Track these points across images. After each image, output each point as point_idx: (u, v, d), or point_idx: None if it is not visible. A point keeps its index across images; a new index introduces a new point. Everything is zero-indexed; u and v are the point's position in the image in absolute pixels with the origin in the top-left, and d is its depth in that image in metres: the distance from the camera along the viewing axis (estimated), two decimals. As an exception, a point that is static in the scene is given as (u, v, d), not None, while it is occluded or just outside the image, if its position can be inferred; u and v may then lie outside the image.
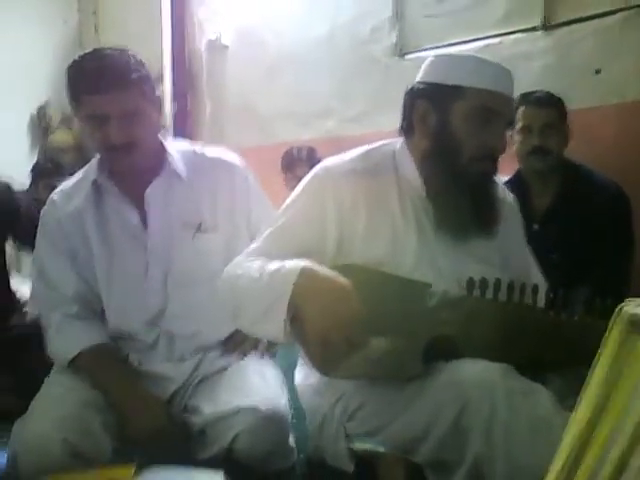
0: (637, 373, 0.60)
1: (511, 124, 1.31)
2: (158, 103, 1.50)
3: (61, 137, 4.38)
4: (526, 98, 2.13)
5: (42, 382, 1.44)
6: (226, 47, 4.03)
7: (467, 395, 1.06)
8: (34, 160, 3.80)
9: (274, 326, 1.12)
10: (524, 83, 2.34)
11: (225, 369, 1.46)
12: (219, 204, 1.52)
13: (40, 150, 4.48)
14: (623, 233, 2.09)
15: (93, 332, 1.45)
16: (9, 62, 4.27)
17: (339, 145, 1.40)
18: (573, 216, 2.07)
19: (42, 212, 1.55)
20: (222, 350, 1.52)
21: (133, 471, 1.17)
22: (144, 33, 4.21)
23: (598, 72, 2.53)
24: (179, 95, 4.31)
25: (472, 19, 2.87)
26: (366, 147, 1.35)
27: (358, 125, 3.10)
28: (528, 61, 2.69)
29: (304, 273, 1.10)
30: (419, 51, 2.98)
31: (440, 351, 1.14)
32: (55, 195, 1.55)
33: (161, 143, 1.52)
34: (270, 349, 1.55)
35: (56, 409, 1.31)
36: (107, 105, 1.36)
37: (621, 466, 0.57)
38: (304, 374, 1.41)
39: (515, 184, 2.08)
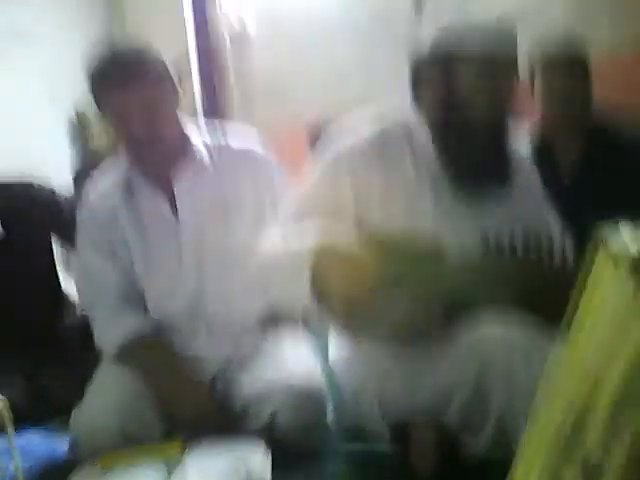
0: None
1: (517, 82, 1.31)
2: (178, 94, 1.53)
3: (98, 140, 4.51)
4: (544, 60, 2.05)
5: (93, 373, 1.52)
6: (250, 34, 4.07)
7: (486, 355, 1.08)
8: (76, 162, 3.94)
9: (300, 294, 1.16)
10: (547, 27, 2.28)
11: (262, 348, 1.51)
12: (245, 191, 1.56)
13: (81, 152, 4.62)
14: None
15: (135, 322, 1.51)
16: (48, 68, 4.41)
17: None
18: (603, 169, 2.01)
19: (78, 210, 1.62)
20: (259, 331, 1.56)
21: (180, 447, 1.24)
22: (170, 30, 4.27)
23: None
24: (207, 81, 4.38)
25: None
26: (379, 116, 1.38)
27: (382, 91, 3.09)
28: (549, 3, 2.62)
29: (321, 250, 1.13)
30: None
31: (461, 310, 1.16)
32: (89, 193, 1.61)
33: (186, 135, 1.56)
34: (305, 327, 1.59)
35: (109, 399, 1.38)
36: (128, 100, 1.41)
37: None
38: (337, 346, 1.45)
39: (539, 141, 2.04)
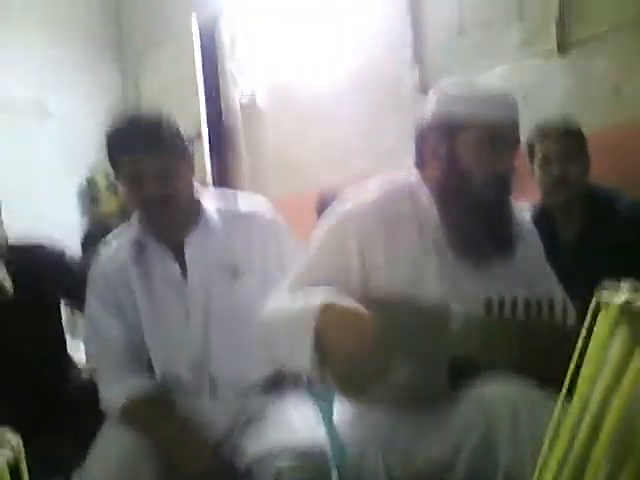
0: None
1: (517, 145, 1.36)
2: (191, 159, 1.60)
3: (108, 203, 4.60)
4: (543, 132, 2.13)
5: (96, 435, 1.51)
6: (259, 103, 4.20)
7: (492, 412, 1.08)
8: (85, 226, 4.01)
9: (304, 358, 1.17)
10: (546, 106, 2.38)
11: (266, 409, 1.51)
12: (253, 252, 1.59)
13: (90, 217, 4.71)
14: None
15: (141, 382, 1.52)
16: (58, 136, 4.55)
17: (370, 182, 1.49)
18: (603, 243, 2.03)
19: (90, 269, 1.65)
20: (264, 391, 1.56)
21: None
22: (182, 94, 4.43)
23: (617, 90, 2.52)
24: (217, 151, 4.49)
25: (490, 50, 2.93)
26: (382, 181, 1.42)
27: (389, 162, 3.17)
28: (548, 84, 2.72)
29: (325, 307, 1.16)
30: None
31: (464, 372, 1.17)
32: (100, 253, 1.65)
33: (197, 197, 1.61)
34: (309, 388, 1.59)
35: (111, 459, 1.38)
36: (142, 165, 1.46)
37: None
38: (341, 409, 1.45)
39: (539, 215, 2.07)
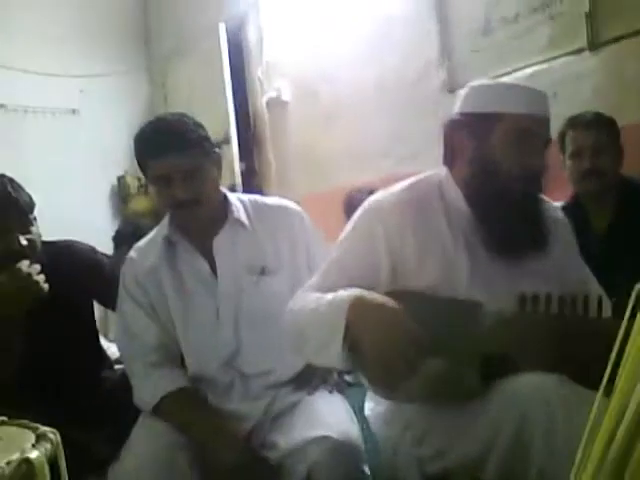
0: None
1: (548, 143, 1.35)
2: (218, 160, 1.62)
3: (138, 203, 4.69)
4: (573, 122, 2.12)
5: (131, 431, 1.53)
6: (286, 102, 4.22)
7: (525, 409, 1.07)
8: (117, 226, 4.07)
9: (334, 354, 1.18)
10: (575, 105, 2.36)
11: (297, 404, 1.52)
12: (280, 247, 1.61)
13: (121, 217, 4.78)
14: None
15: (174, 378, 1.54)
16: (91, 140, 4.64)
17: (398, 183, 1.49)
18: (637, 234, 2.01)
19: (122, 270, 1.68)
20: (293, 386, 1.58)
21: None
22: (209, 98, 4.48)
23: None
24: (246, 154, 4.52)
25: (518, 48, 2.92)
26: (412, 179, 1.41)
27: (414, 162, 3.18)
28: (578, 83, 2.70)
29: (356, 302, 1.16)
30: (469, 86, 3.05)
31: (497, 368, 1.16)
32: (133, 253, 1.68)
33: (224, 196, 1.64)
34: (339, 384, 1.60)
35: (145, 452, 1.39)
36: (170, 166, 1.49)
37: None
38: (373, 404, 1.45)
39: (572, 208, 2.05)
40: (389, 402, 1.37)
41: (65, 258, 1.92)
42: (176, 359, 1.59)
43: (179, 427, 1.46)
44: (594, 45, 2.68)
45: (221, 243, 1.59)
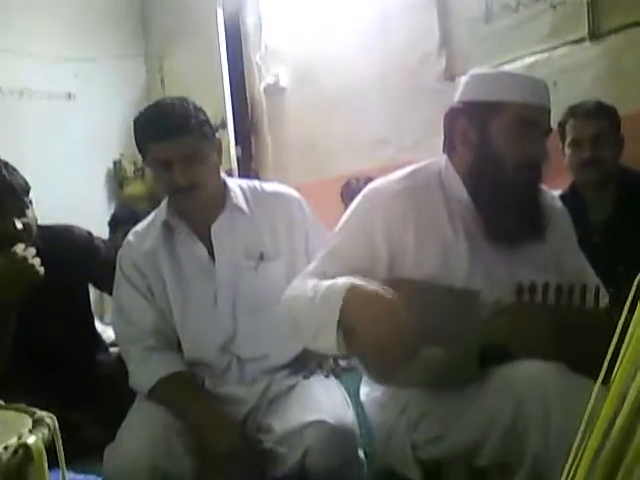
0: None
1: (549, 133, 1.34)
2: (218, 145, 1.61)
3: (135, 187, 4.67)
4: (574, 110, 2.11)
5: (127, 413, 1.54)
6: (284, 88, 4.20)
7: (521, 396, 1.08)
8: (112, 211, 4.06)
9: (329, 340, 1.18)
10: (575, 94, 2.35)
11: (293, 388, 1.52)
12: (279, 233, 1.61)
13: (117, 201, 4.77)
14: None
15: (170, 362, 1.54)
16: (87, 124, 4.61)
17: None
18: (636, 224, 2.01)
19: (119, 253, 1.67)
20: (290, 370, 1.58)
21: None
22: (206, 83, 4.45)
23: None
24: (242, 139, 4.50)
25: (518, 37, 2.90)
26: (412, 167, 1.41)
27: (414, 151, 3.16)
28: (579, 72, 2.69)
29: (352, 289, 1.16)
30: (469, 74, 3.04)
31: (494, 356, 1.17)
32: (130, 236, 1.67)
33: (223, 181, 1.63)
34: (335, 369, 1.61)
35: (141, 434, 1.39)
36: (169, 150, 1.48)
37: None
38: (368, 389, 1.46)
39: (570, 197, 2.05)
40: (385, 387, 1.37)
41: (61, 242, 1.92)
42: (173, 343, 1.59)
43: (175, 411, 1.46)
44: (595, 35, 2.67)
45: (219, 228, 1.59)
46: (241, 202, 1.61)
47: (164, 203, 1.64)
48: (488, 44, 3.02)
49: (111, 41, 4.90)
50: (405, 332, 1.11)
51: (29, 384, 1.76)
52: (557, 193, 1.95)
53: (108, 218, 3.58)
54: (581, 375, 1.08)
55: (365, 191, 1.38)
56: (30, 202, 1.83)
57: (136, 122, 1.55)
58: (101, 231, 2.81)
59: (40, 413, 0.62)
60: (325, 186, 3.41)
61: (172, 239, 1.61)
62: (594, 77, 2.66)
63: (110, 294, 1.74)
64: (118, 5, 4.98)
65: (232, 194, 1.61)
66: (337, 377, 1.60)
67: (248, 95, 4.49)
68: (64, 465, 0.65)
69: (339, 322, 1.16)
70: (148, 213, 1.74)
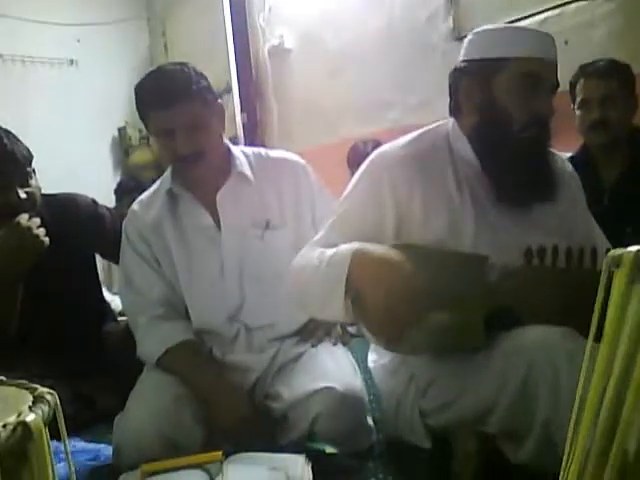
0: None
1: (556, 88, 1.30)
2: (221, 111, 1.58)
3: (140, 155, 4.64)
4: (584, 70, 2.05)
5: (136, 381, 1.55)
6: (289, 50, 4.13)
7: (530, 361, 1.07)
8: (118, 179, 4.05)
9: (336, 307, 1.17)
10: (588, 53, 2.29)
11: (301, 356, 1.53)
12: (285, 201, 1.59)
13: (122, 169, 4.75)
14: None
15: (178, 331, 1.54)
16: (90, 91, 4.57)
17: (404, 135, 1.45)
18: None
19: (124, 223, 1.66)
20: (297, 338, 1.58)
21: (221, 456, 1.25)
22: (210, 47, 4.38)
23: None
24: (247, 104, 4.44)
25: (528, -7, 2.82)
26: (419, 130, 1.38)
27: (421, 113, 3.11)
28: (591, 29, 2.62)
29: (357, 255, 1.14)
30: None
31: (502, 321, 1.15)
32: (135, 206, 1.66)
33: (228, 148, 1.61)
34: (343, 336, 1.60)
35: (150, 403, 1.40)
36: (172, 118, 1.45)
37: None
38: (376, 356, 1.45)
39: (580, 159, 2.01)
40: (393, 354, 1.36)
41: (66, 211, 1.91)
42: (180, 312, 1.59)
43: (183, 380, 1.46)
44: (609, -12, 2.59)
45: (225, 197, 1.57)
46: (246, 169, 1.59)
47: (168, 171, 1.62)
48: (497, 2, 2.94)
49: (113, 5, 4.82)
50: (412, 295, 1.09)
51: (38, 356, 1.77)
52: (568, 155, 1.91)
53: (114, 187, 3.56)
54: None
55: (372, 157, 1.36)
56: (33, 171, 1.82)
57: (137, 90, 1.52)
58: (107, 200, 2.80)
59: (41, 389, 0.61)
60: (331, 151, 3.38)
61: (177, 208, 1.60)
62: (607, 34, 2.58)
63: (117, 263, 1.73)
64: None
65: (237, 161, 1.58)
66: (345, 344, 1.60)
67: (252, 58, 4.42)
68: (66, 440, 0.64)
69: (346, 289, 1.14)
70: (154, 181, 1.72)
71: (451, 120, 1.37)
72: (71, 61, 4.63)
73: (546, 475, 1.00)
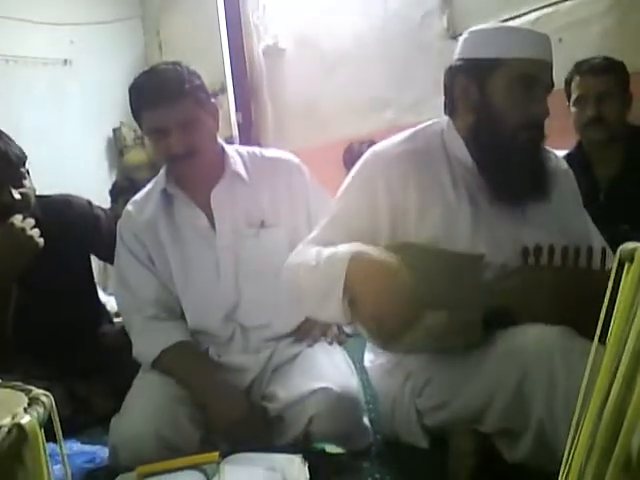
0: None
1: (550, 88, 1.30)
2: (215, 111, 1.57)
3: (135, 155, 4.63)
4: (580, 67, 2.05)
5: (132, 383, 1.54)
6: (283, 50, 4.12)
7: (526, 361, 1.07)
8: (113, 180, 4.04)
9: (333, 309, 1.16)
10: (582, 51, 2.29)
11: (297, 356, 1.52)
12: (279, 200, 1.59)
13: (117, 170, 4.74)
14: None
15: (173, 331, 1.53)
16: (84, 91, 4.56)
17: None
18: None
19: (119, 223, 1.65)
20: (293, 338, 1.58)
21: (217, 457, 1.25)
22: (204, 47, 4.37)
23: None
24: (242, 104, 4.44)
25: (522, -8, 2.83)
26: (413, 129, 1.38)
27: (417, 112, 3.11)
28: (586, 27, 2.62)
29: (355, 257, 1.13)
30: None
31: (499, 320, 1.15)
32: (129, 206, 1.65)
33: (222, 148, 1.60)
34: (339, 336, 1.60)
35: (146, 404, 1.39)
36: (165, 117, 1.45)
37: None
38: (373, 355, 1.45)
39: (576, 156, 2.01)
40: (389, 354, 1.37)
41: (60, 212, 1.90)
42: (175, 312, 1.59)
43: (179, 381, 1.46)
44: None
45: (219, 196, 1.57)
46: (240, 169, 1.58)
47: (163, 171, 1.62)
48: (491, 0, 2.94)
49: (107, 4, 4.80)
50: (409, 300, 1.09)
51: (33, 358, 1.76)
52: (563, 153, 1.91)
53: (109, 187, 3.55)
54: (587, 338, 1.07)
55: (366, 155, 1.35)
56: (27, 172, 1.81)
57: (130, 90, 1.52)
58: (102, 201, 2.79)
59: (36, 391, 0.61)
60: (326, 150, 3.37)
61: (171, 207, 1.60)
62: (601, 33, 2.59)
63: (112, 263, 1.73)
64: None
65: (231, 160, 1.58)
66: (341, 344, 1.60)
67: (247, 57, 4.41)
68: (63, 442, 0.64)
69: (343, 290, 1.14)
70: (149, 181, 1.72)
71: (445, 119, 1.37)
72: (65, 61, 4.61)
73: (543, 474, 1.00)
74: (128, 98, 1.52)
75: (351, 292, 1.13)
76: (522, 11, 2.81)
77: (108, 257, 1.84)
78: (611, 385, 0.64)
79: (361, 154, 1.40)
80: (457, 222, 1.27)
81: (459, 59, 1.31)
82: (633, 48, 2.39)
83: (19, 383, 0.63)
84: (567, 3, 2.71)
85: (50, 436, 0.62)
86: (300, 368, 1.47)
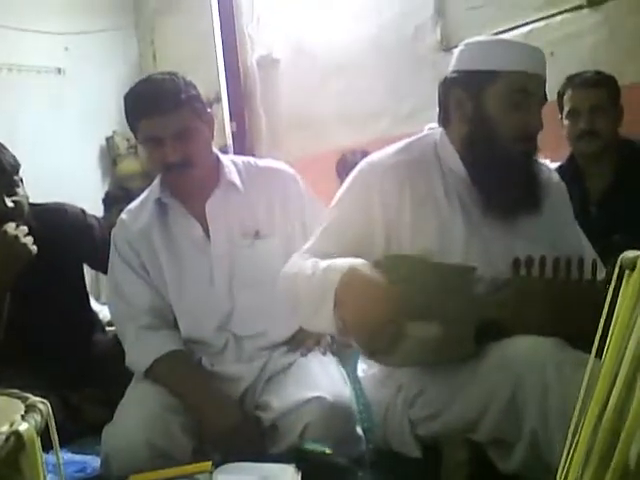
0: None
1: (544, 102, 1.32)
2: (210, 120, 1.58)
3: (128, 165, 4.63)
4: (572, 80, 2.08)
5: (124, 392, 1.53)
6: (277, 60, 4.14)
7: (519, 372, 1.07)
8: (106, 188, 4.04)
9: (325, 321, 1.17)
10: (574, 64, 2.32)
11: (290, 365, 1.52)
12: (274, 210, 1.59)
13: (110, 179, 4.73)
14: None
15: (166, 341, 1.53)
16: (78, 100, 4.56)
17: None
18: (634, 195, 1.99)
19: (113, 232, 1.65)
20: (287, 348, 1.58)
21: (210, 467, 1.24)
22: (199, 56, 4.38)
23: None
24: (237, 114, 4.45)
25: (515, 5, 2.86)
26: (407, 140, 1.39)
27: (410, 123, 3.13)
28: (577, 40, 2.65)
29: (347, 272, 1.14)
30: (464, 44, 3.00)
31: (491, 332, 1.16)
32: (124, 215, 1.65)
33: (217, 157, 1.61)
34: (332, 346, 1.60)
35: (138, 413, 1.39)
36: (160, 127, 1.46)
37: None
38: (366, 365, 1.45)
39: (568, 169, 2.04)
40: (381, 365, 1.37)
41: (54, 220, 1.90)
42: (169, 321, 1.58)
43: (172, 390, 1.46)
44: (593, 1, 2.62)
45: (214, 206, 1.57)
46: (235, 178, 1.59)
47: (157, 180, 1.62)
48: (484, 13, 2.97)
49: (101, 13, 4.81)
50: (395, 316, 1.10)
51: (25, 366, 1.75)
52: (556, 165, 1.93)
53: (102, 196, 3.55)
54: (580, 349, 1.08)
55: (360, 166, 1.36)
56: (21, 180, 1.81)
57: (126, 99, 1.53)
58: (95, 210, 2.79)
59: (33, 399, 0.61)
60: (320, 161, 3.38)
61: (166, 217, 1.60)
62: (593, 46, 2.62)
63: (105, 273, 1.73)
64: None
65: (226, 170, 1.59)
66: (334, 354, 1.60)
67: (241, 68, 4.43)
68: (59, 450, 0.64)
69: (335, 304, 1.15)
70: (142, 191, 1.72)
71: (439, 130, 1.38)
72: (59, 70, 4.61)
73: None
74: (123, 107, 1.53)
75: (339, 305, 1.14)
76: (514, 24, 2.84)
77: (101, 266, 1.84)
78: (610, 392, 0.65)
79: (354, 164, 1.41)
80: (450, 234, 1.28)
81: (454, 71, 1.32)
82: (624, 61, 2.42)
83: (16, 390, 0.63)
84: (558, 17, 2.74)
85: (42, 444, 0.62)
86: (294, 377, 1.47)
